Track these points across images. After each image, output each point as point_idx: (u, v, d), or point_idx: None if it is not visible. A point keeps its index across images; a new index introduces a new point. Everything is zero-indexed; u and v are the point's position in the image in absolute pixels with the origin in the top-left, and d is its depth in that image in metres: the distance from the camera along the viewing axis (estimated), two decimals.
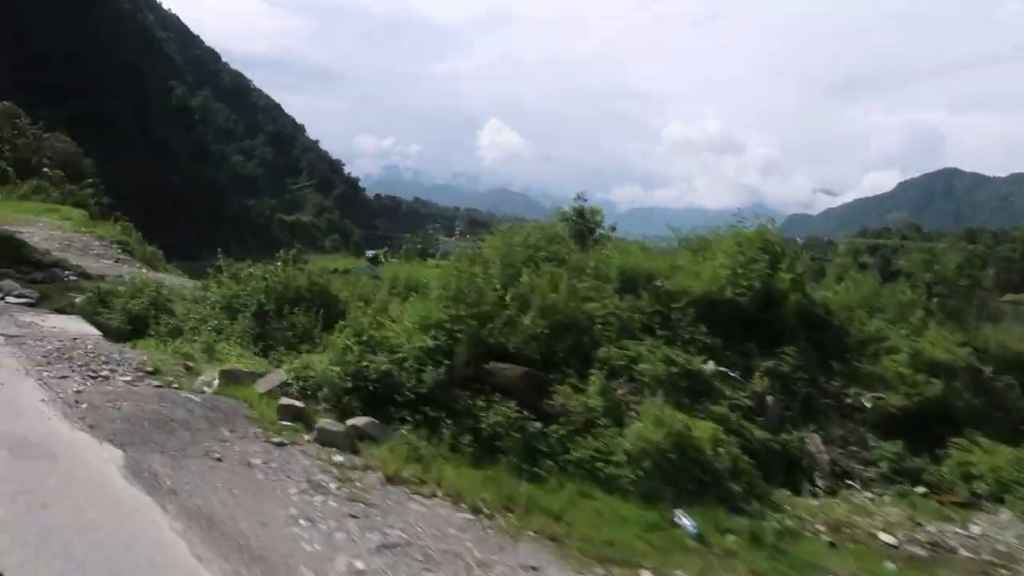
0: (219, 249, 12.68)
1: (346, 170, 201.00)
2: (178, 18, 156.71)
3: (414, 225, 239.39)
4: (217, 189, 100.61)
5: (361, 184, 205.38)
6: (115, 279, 13.03)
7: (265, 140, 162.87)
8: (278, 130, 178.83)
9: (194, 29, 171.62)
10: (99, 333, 9.39)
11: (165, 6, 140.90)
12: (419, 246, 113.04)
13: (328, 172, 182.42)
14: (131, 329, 9.77)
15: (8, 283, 11.58)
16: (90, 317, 10.10)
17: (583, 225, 11.96)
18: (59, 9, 78.17)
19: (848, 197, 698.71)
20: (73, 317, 10.19)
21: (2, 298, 10.75)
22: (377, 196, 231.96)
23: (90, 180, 31.69)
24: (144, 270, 16.18)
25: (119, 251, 19.03)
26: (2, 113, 34.22)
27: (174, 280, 15.15)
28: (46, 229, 19.26)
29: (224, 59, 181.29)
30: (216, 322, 9.37)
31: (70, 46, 77.42)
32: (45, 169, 30.95)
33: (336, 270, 27.36)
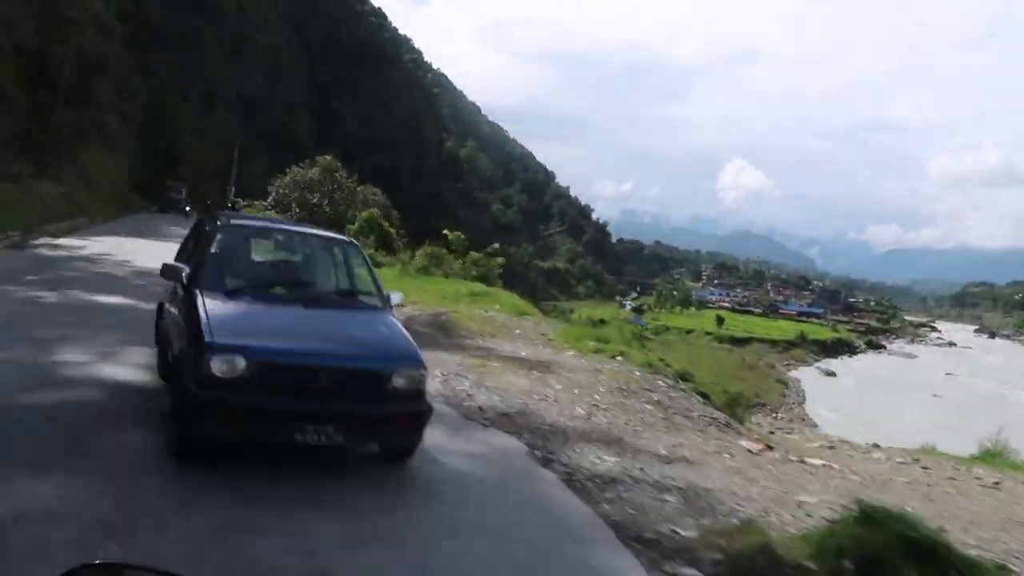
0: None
1: (594, 216, 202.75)
2: (445, 76, 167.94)
3: (658, 269, 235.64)
4: (483, 235, 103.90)
5: (608, 229, 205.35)
6: None
7: (520, 188, 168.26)
8: (530, 177, 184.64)
9: (458, 85, 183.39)
10: None
11: (435, 66, 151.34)
12: (675, 293, 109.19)
13: (578, 217, 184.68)
14: None
15: None
16: None
17: None
18: (356, 68, 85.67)
19: None
20: None
21: None
22: (620, 240, 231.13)
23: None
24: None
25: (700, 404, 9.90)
26: (325, 167, 35.62)
27: None
28: (523, 342, 12.03)
29: (483, 111, 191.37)
30: None
31: (363, 104, 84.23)
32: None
33: (603, 320, 25.09)
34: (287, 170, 37.64)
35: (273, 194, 37.59)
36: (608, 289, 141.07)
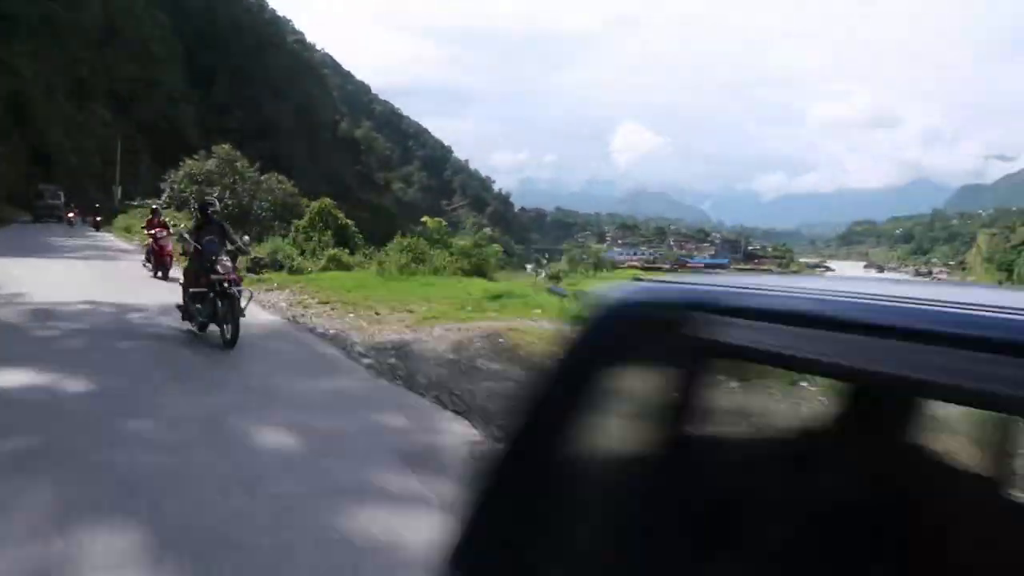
0: None
1: (495, 187, 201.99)
2: (331, 56, 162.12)
3: (562, 234, 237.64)
4: (387, 217, 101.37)
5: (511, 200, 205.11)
6: None
7: (419, 165, 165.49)
8: (428, 154, 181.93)
9: (345, 65, 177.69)
10: None
11: (319, 47, 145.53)
12: (586, 257, 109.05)
13: (480, 190, 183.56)
14: None
15: None
16: None
17: None
18: (238, 53, 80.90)
19: None
20: None
21: None
22: (523, 209, 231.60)
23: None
24: None
25: None
26: (223, 158, 32.80)
27: None
28: None
29: (374, 91, 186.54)
30: None
31: (250, 89, 79.74)
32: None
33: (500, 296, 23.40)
34: (180, 163, 34.64)
35: (167, 191, 34.60)
36: (518, 260, 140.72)
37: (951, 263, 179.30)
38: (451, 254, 20.44)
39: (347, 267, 20.39)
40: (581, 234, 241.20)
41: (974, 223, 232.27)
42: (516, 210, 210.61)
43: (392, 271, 18.00)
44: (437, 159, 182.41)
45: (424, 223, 23.22)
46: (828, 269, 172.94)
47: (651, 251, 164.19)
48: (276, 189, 33.35)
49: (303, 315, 11.90)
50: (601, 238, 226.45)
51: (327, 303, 12.99)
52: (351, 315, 11.62)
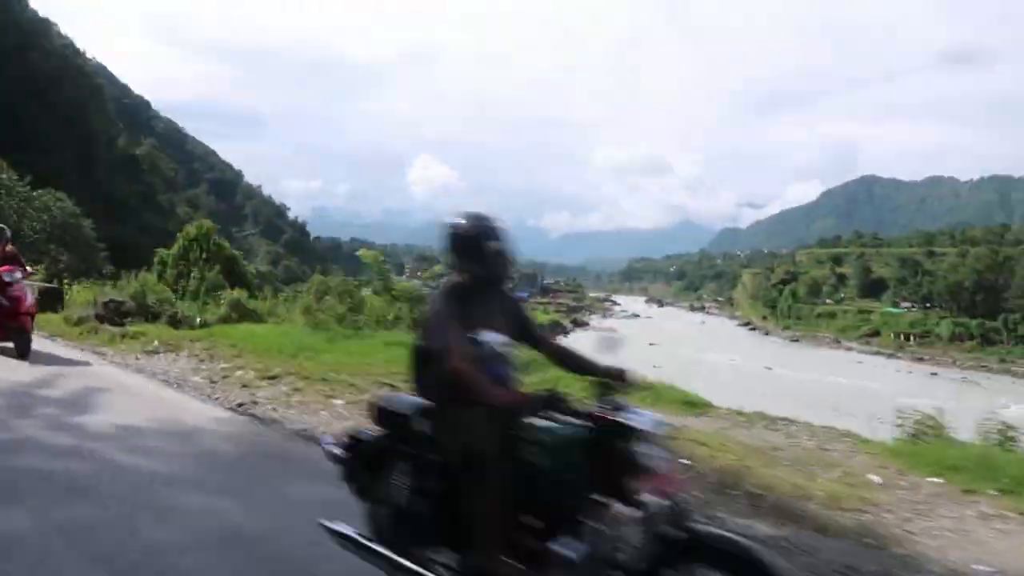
0: None
1: (291, 214, 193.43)
2: (105, 67, 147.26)
3: (360, 266, 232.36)
4: (171, 240, 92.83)
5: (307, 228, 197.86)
6: None
7: (207, 188, 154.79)
8: (217, 177, 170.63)
9: (121, 78, 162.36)
10: None
11: (89, 55, 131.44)
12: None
13: (273, 217, 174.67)
14: None
15: None
16: None
17: None
18: None
19: (774, 209, 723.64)
20: None
21: None
22: (317, 238, 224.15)
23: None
24: None
25: None
26: None
27: None
28: None
29: (155, 107, 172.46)
30: None
31: (8, 94, 69.37)
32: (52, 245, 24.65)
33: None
34: None
35: None
36: None
37: (720, 299, 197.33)
38: (394, 298, 15.26)
39: (257, 317, 15.50)
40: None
41: (735, 263, 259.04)
42: (312, 239, 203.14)
43: (331, 324, 13.14)
44: (226, 183, 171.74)
45: (359, 256, 17.56)
46: (615, 303, 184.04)
47: None
48: (53, 208, 28.53)
49: (254, 401, 8.01)
50: (400, 269, 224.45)
51: (274, 377, 8.96)
52: (339, 401, 8.00)
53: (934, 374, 73.05)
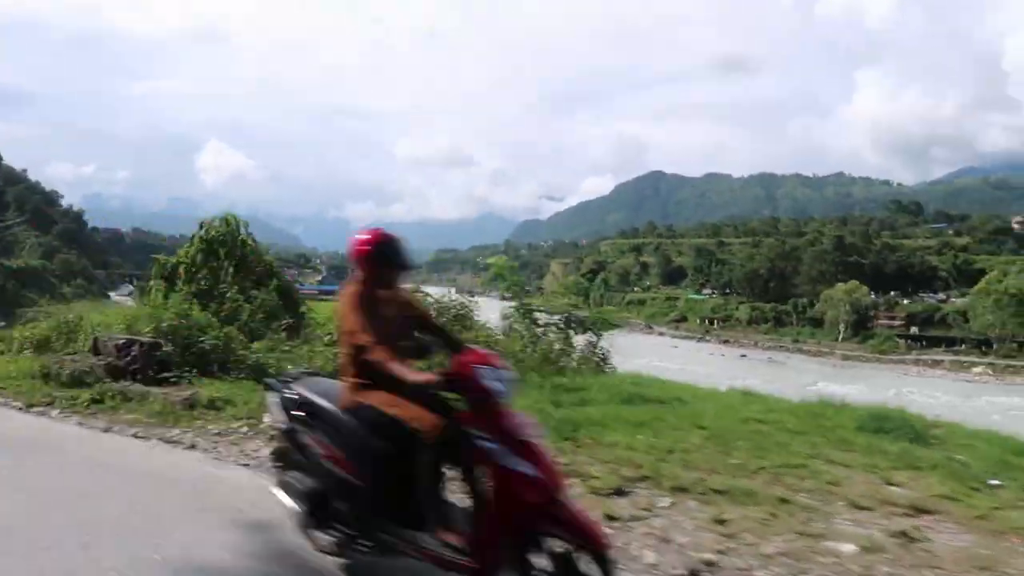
0: None
1: (65, 202, 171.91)
2: None
3: (144, 259, 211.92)
4: None
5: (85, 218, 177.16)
6: None
7: None
8: None
9: None
10: None
11: None
12: None
13: (43, 205, 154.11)
14: None
15: None
16: None
17: None
18: None
19: (572, 201, 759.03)
20: None
21: None
22: (95, 229, 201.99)
23: None
24: None
25: None
26: None
27: None
28: None
29: None
30: None
31: None
32: None
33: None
34: None
35: None
36: (100, 287, 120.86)
37: (528, 288, 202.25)
38: (533, 323, 11.64)
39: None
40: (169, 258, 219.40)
41: (538, 253, 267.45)
42: (89, 229, 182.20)
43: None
44: None
45: (490, 264, 14.18)
46: (427, 294, 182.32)
47: None
48: None
49: (710, 563, 4.37)
50: None
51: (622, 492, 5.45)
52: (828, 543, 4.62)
53: (744, 356, 78.50)
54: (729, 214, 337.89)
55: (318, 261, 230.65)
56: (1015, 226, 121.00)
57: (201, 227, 13.74)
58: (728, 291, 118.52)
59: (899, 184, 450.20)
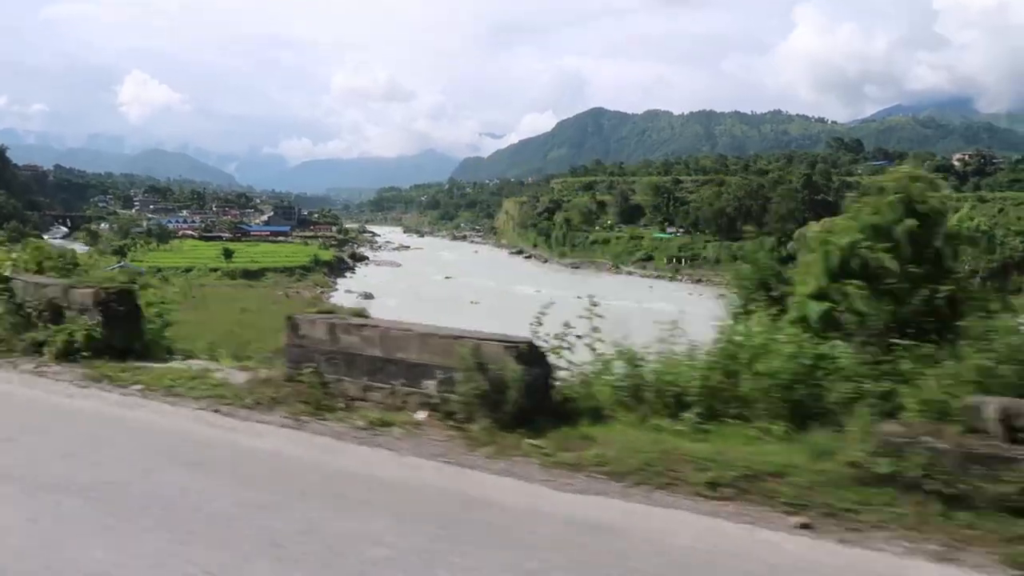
0: None
1: None
2: None
3: (72, 197, 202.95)
4: None
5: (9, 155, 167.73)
6: None
7: None
8: None
9: None
10: None
11: None
12: (148, 228, 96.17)
13: None
14: None
15: None
16: None
17: None
18: None
19: (513, 139, 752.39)
20: None
21: None
22: (15, 167, 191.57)
23: None
24: None
25: None
26: None
27: None
28: None
29: None
30: None
31: None
32: None
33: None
34: None
35: None
36: (32, 229, 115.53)
37: (478, 227, 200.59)
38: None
39: None
40: (101, 198, 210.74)
41: (484, 191, 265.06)
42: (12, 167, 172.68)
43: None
44: None
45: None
46: (375, 235, 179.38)
47: (199, 218, 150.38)
48: None
49: None
50: (128, 202, 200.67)
51: None
52: None
53: (723, 295, 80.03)
54: (671, 150, 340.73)
55: (258, 201, 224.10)
56: (955, 163, 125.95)
57: None
58: (694, 229, 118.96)
59: (833, 122, 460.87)
